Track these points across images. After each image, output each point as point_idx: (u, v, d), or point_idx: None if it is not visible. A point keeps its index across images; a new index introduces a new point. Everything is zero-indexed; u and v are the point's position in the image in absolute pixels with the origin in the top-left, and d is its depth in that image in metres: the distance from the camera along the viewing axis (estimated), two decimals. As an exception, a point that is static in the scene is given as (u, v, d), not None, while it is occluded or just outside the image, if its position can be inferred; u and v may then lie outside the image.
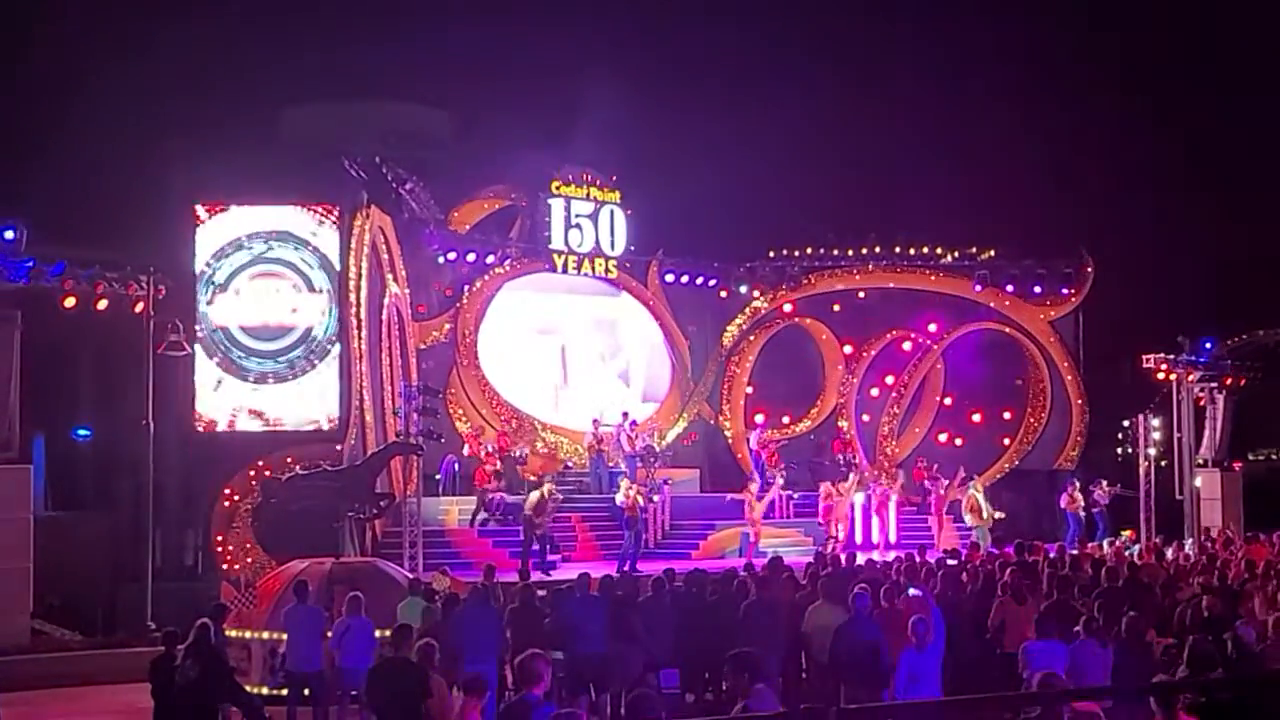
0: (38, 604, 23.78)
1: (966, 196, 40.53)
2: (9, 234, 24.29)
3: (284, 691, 16.89)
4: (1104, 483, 34.02)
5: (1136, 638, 14.14)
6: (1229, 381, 36.40)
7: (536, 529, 26.17)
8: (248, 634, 18.10)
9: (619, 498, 28.19)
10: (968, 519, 31.68)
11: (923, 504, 34.38)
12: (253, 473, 26.01)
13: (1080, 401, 37.75)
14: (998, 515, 32.64)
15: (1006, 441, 37.81)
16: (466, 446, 30.34)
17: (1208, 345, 36.20)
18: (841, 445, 36.51)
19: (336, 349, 27.03)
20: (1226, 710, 9.77)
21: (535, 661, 10.53)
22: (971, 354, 38.01)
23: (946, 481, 32.85)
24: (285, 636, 17.16)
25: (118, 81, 32.24)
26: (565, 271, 34.31)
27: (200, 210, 27.04)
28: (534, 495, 26.61)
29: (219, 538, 26.09)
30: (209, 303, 26.93)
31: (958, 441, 37.63)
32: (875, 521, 32.17)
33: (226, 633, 16.62)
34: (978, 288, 37.77)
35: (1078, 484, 33.87)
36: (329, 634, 16.44)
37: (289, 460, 25.24)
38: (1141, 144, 43.46)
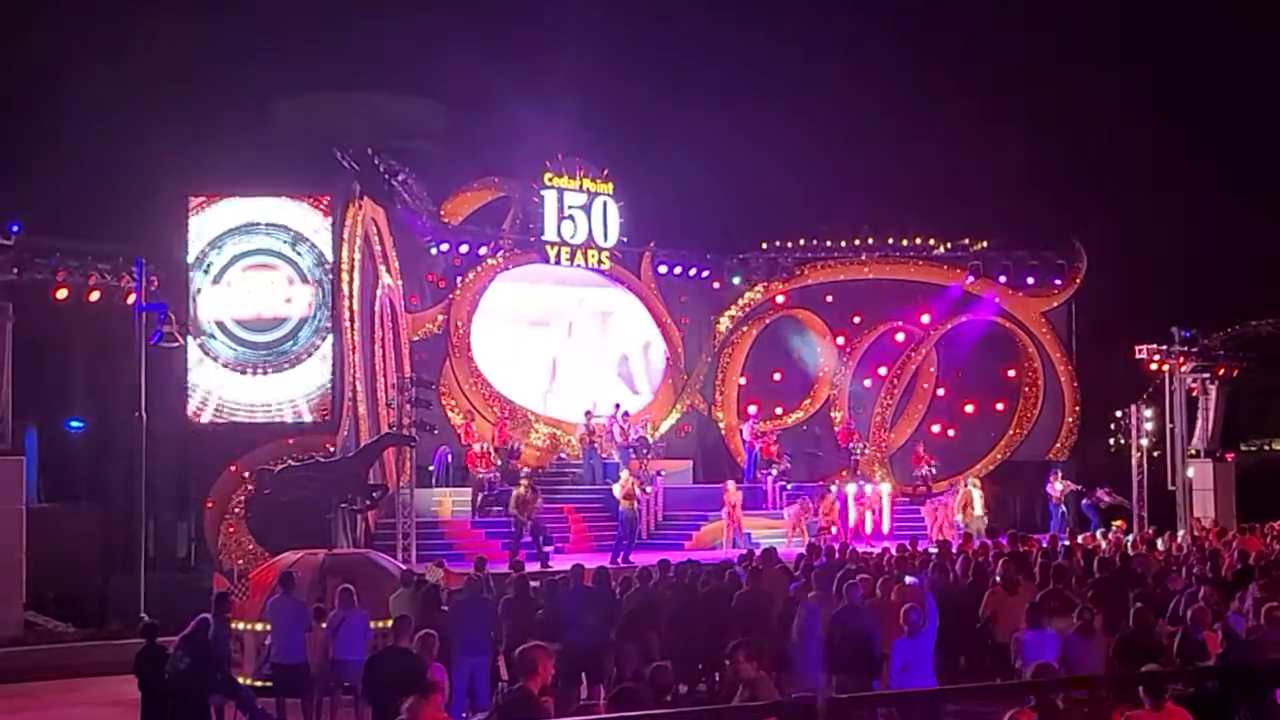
0: (30, 596, 23.74)
1: (960, 188, 40.48)
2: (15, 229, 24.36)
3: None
4: (1108, 490, 34.03)
5: (1145, 628, 14.08)
6: (1221, 372, 36.42)
7: (524, 522, 26.28)
8: (241, 625, 18.08)
9: (616, 489, 28.15)
10: (959, 516, 31.67)
11: (915, 496, 34.41)
12: (245, 465, 25.99)
13: (1073, 393, 37.79)
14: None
15: (999, 433, 37.85)
16: (463, 434, 30.40)
17: (1204, 339, 36.17)
18: (847, 435, 36.46)
19: (329, 340, 27.00)
20: (1215, 701, 9.79)
21: (535, 653, 10.35)
22: (964, 345, 38.03)
23: (943, 476, 32.95)
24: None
25: (110, 72, 32.12)
26: (558, 263, 34.25)
27: (193, 201, 27.00)
28: (514, 494, 26.83)
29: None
30: (201, 294, 26.90)
31: (950, 433, 37.69)
32: (868, 513, 32.25)
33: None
34: (970, 279, 37.79)
35: (1060, 473, 33.94)
36: (322, 625, 16.42)
37: (279, 451, 25.20)
38: (1135, 135, 43.45)
